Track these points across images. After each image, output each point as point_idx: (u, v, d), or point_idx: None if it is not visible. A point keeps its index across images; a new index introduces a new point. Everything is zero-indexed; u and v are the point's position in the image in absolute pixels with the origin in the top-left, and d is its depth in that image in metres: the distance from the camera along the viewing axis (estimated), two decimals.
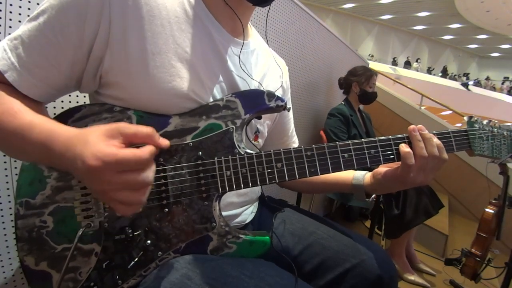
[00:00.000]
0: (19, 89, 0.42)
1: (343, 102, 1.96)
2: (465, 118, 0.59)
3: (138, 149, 0.34)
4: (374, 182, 0.59)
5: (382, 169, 0.57)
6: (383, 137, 0.53)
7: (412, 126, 0.52)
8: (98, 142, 0.34)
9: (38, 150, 0.38)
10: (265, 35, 0.69)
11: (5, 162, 0.64)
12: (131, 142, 0.36)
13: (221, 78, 0.54)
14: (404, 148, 0.51)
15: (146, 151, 0.35)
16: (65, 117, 0.47)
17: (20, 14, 0.61)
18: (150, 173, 0.36)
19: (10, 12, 0.59)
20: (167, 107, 0.48)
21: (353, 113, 1.90)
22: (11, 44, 0.42)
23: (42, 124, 0.39)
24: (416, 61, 17.14)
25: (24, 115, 0.40)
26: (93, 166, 0.32)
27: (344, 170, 0.51)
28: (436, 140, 0.51)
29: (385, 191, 0.60)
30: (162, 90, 0.47)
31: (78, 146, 0.34)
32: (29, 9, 0.62)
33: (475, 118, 0.59)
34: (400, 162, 0.52)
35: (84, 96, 0.73)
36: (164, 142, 0.40)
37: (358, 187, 0.61)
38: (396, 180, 0.54)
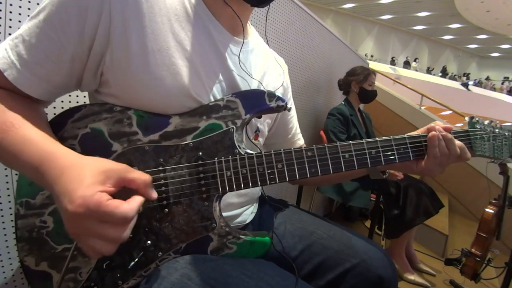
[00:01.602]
0: (19, 87, 0.42)
1: (343, 102, 1.96)
2: (467, 119, 0.59)
3: (126, 205, 0.33)
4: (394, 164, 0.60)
5: None
6: (384, 138, 0.54)
7: (434, 125, 0.55)
8: (91, 184, 0.32)
9: (30, 170, 0.37)
10: (265, 34, 0.69)
11: None
12: (126, 186, 0.36)
13: (221, 77, 0.54)
14: (433, 142, 0.53)
15: (134, 208, 0.34)
16: (65, 117, 0.47)
17: (20, 14, 0.61)
18: (128, 231, 0.34)
19: (10, 12, 0.59)
20: (167, 106, 0.48)
21: (353, 113, 1.90)
22: (12, 43, 0.42)
23: (37, 142, 0.38)
24: (415, 60, 17.15)
25: (19, 129, 0.39)
26: (77, 212, 0.31)
27: (345, 170, 0.51)
28: (457, 141, 0.54)
29: (401, 170, 0.62)
30: (162, 89, 0.47)
31: (71, 182, 0.33)
32: (29, 9, 0.62)
33: (477, 119, 0.58)
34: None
35: (84, 96, 0.73)
36: (154, 195, 0.39)
37: (374, 168, 0.62)
38: (417, 170, 0.57)
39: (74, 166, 0.35)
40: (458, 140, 0.55)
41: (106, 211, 0.31)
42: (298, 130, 0.80)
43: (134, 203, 0.34)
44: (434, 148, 0.53)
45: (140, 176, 0.37)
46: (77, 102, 0.73)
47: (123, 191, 0.36)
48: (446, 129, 0.54)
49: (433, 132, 0.54)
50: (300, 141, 0.80)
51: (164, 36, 0.47)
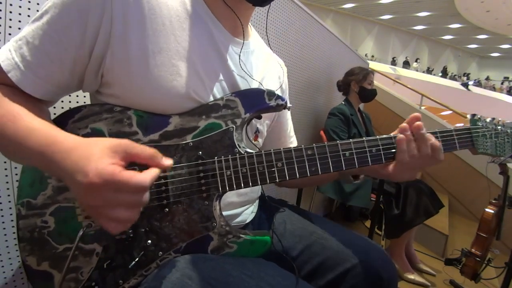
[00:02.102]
0: (22, 88, 0.43)
1: (343, 102, 1.96)
2: (469, 116, 0.58)
3: (141, 175, 0.34)
4: (361, 168, 0.59)
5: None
6: (384, 136, 0.53)
7: (404, 124, 0.52)
8: (101, 157, 0.33)
9: (36, 156, 0.38)
10: (266, 35, 0.69)
11: (5, 162, 0.64)
12: (133, 161, 0.36)
13: (221, 77, 0.54)
14: (401, 147, 0.51)
15: (148, 178, 0.34)
16: (65, 118, 0.47)
17: (20, 14, 0.61)
18: (147, 195, 0.35)
19: (10, 12, 0.59)
20: (168, 106, 0.49)
21: (353, 112, 1.90)
22: (15, 45, 0.43)
23: (41, 129, 0.39)
24: (416, 61, 17.15)
25: (23, 119, 0.39)
26: (94, 183, 0.32)
27: (345, 169, 0.51)
28: (431, 140, 0.51)
29: (371, 175, 0.61)
30: (163, 89, 0.47)
31: (80, 159, 0.34)
32: (29, 9, 0.62)
33: (478, 116, 0.58)
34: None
35: (84, 96, 0.74)
36: (168, 162, 0.39)
37: (344, 172, 0.62)
38: (385, 175, 0.55)
39: (81, 145, 0.36)
40: (457, 136, 0.55)
41: (121, 180, 0.32)
42: (292, 133, 0.80)
43: (148, 173, 0.35)
44: (402, 153, 0.51)
45: (144, 149, 0.36)
46: (77, 102, 0.73)
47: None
48: (417, 127, 0.51)
49: (400, 136, 0.51)
50: (293, 144, 0.79)
51: (165, 37, 0.47)
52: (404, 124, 0.52)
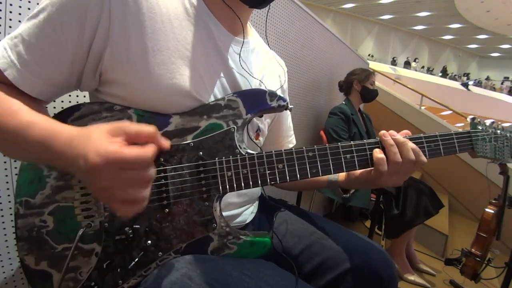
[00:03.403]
0: (19, 87, 0.42)
1: (344, 102, 1.96)
2: (469, 119, 0.59)
3: (141, 148, 0.34)
4: (348, 179, 0.61)
5: (357, 170, 0.56)
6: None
7: (382, 132, 0.52)
8: (100, 139, 0.33)
9: (38, 149, 0.38)
10: (265, 35, 0.68)
11: (5, 162, 0.63)
12: (134, 141, 0.36)
13: (221, 76, 0.54)
14: (377, 154, 0.51)
15: (150, 150, 0.34)
16: (64, 116, 0.47)
17: (20, 14, 0.61)
18: (152, 170, 0.35)
19: (10, 12, 0.59)
20: (168, 105, 0.48)
21: (354, 112, 1.91)
22: (11, 43, 0.42)
23: (41, 123, 0.39)
24: (414, 60, 17.15)
25: (23, 114, 0.39)
26: (96, 164, 0.32)
27: (346, 171, 0.51)
28: (411, 144, 0.51)
29: (361, 188, 0.61)
30: (162, 88, 0.47)
31: (80, 144, 0.34)
32: (29, 9, 0.62)
33: (478, 119, 0.58)
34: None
35: (84, 96, 0.73)
36: (166, 143, 0.39)
37: (333, 183, 0.64)
38: (367, 182, 0.55)
39: (81, 134, 0.36)
40: (457, 139, 0.55)
41: (123, 156, 0.32)
42: (291, 132, 0.80)
43: (149, 148, 0.34)
44: (381, 160, 0.50)
45: (144, 128, 0.36)
46: (77, 102, 0.73)
47: None
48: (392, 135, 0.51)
49: (377, 154, 0.50)
50: (291, 143, 0.79)
51: (164, 35, 0.47)
52: (383, 131, 0.52)
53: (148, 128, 0.36)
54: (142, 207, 0.35)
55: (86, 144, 0.33)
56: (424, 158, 0.51)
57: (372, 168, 0.52)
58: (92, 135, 0.34)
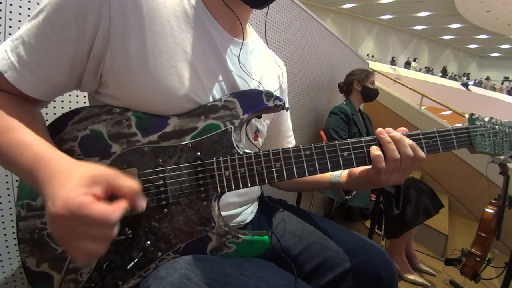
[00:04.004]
0: (19, 88, 0.42)
1: (344, 102, 1.97)
2: (466, 116, 0.58)
3: (108, 208, 0.32)
4: (350, 181, 0.59)
5: (357, 169, 0.56)
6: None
7: (379, 129, 0.52)
8: (75, 187, 0.32)
9: (24, 174, 0.37)
10: (265, 35, 0.69)
11: None
12: (114, 193, 0.34)
13: (220, 78, 0.54)
14: (374, 151, 0.50)
15: (118, 212, 0.32)
16: (65, 119, 0.47)
17: (20, 14, 0.61)
18: (116, 230, 0.33)
19: (10, 12, 0.59)
20: (166, 107, 0.48)
21: (354, 112, 1.91)
22: (12, 45, 0.42)
23: (32, 146, 0.38)
24: (414, 60, 17.15)
25: (16, 133, 0.39)
26: (58, 213, 0.30)
27: (344, 169, 0.51)
28: (408, 140, 0.50)
29: (363, 189, 0.60)
30: (162, 90, 0.47)
31: (56, 185, 0.33)
32: (29, 9, 0.62)
33: (477, 115, 0.58)
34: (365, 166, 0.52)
35: (84, 96, 0.73)
36: (142, 205, 0.36)
37: (335, 185, 0.62)
38: (368, 181, 0.54)
39: (64, 170, 0.35)
40: (455, 135, 0.54)
41: (88, 213, 0.30)
42: (291, 132, 0.80)
43: (117, 208, 0.32)
44: (378, 157, 0.49)
45: (127, 183, 0.35)
46: (77, 102, 0.73)
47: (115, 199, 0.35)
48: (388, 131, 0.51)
49: (374, 152, 0.50)
50: (291, 144, 0.79)
51: (163, 38, 0.47)
52: (379, 129, 0.52)
53: (131, 186, 0.35)
54: (95, 258, 0.33)
55: (60, 187, 0.32)
56: (422, 154, 0.51)
57: (369, 167, 0.52)
58: (72, 178, 0.33)
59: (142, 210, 0.36)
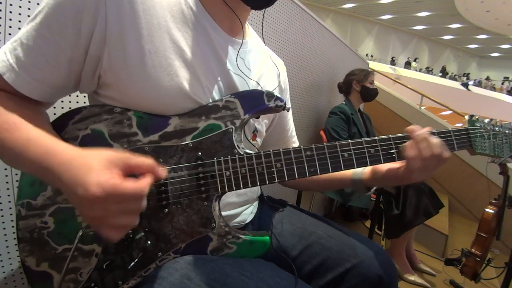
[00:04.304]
0: (18, 89, 0.42)
1: (344, 102, 1.97)
2: (466, 117, 0.59)
3: (139, 183, 0.35)
4: (374, 177, 0.60)
5: (383, 167, 0.57)
6: (383, 136, 0.53)
7: (411, 127, 0.52)
8: (101, 170, 0.34)
9: (34, 167, 0.38)
10: (262, 34, 0.69)
11: None
12: (133, 172, 0.36)
13: (219, 78, 0.54)
14: (409, 151, 0.51)
15: (146, 185, 0.35)
16: (65, 119, 0.47)
17: (20, 14, 0.61)
18: (145, 201, 0.36)
19: (10, 12, 0.59)
20: (166, 107, 0.48)
21: (354, 112, 1.91)
22: (11, 47, 0.42)
23: (38, 140, 0.38)
24: (415, 60, 17.16)
25: (21, 129, 0.39)
26: (96, 195, 0.32)
27: (344, 169, 0.51)
28: (436, 139, 0.51)
29: (385, 185, 0.61)
30: (160, 89, 0.47)
31: (80, 171, 0.34)
32: (29, 9, 0.62)
33: (476, 117, 0.58)
34: (399, 162, 0.53)
35: (84, 96, 0.73)
36: (163, 173, 0.39)
37: (358, 182, 0.63)
38: (398, 179, 0.55)
39: (78, 157, 0.36)
40: (455, 136, 0.55)
41: (123, 192, 0.33)
42: (294, 133, 0.80)
43: (145, 181, 0.36)
44: (413, 157, 0.51)
45: (143, 160, 0.37)
46: (77, 102, 0.73)
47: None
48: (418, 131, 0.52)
49: (408, 143, 0.51)
50: (295, 144, 0.79)
51: (160, 37, 0.47)
52: (410, 127, 0.53)
53: (147, 161, 0.37)
54: (129, 230, 0.36)
55: (87, 173, 0.33)
56: (447, 153, 0.52)
57: (399, 164, 0.53)
58: (93, 163, 0.34)
59: (165, 177, 0.40)
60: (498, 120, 0.60)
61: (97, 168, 0.34)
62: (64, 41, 0.42)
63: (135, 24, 0.45)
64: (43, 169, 0.37)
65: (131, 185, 0.34)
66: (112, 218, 0.34)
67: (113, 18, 0.43)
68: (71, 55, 0.43)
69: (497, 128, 0.58)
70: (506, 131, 0.59)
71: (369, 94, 1.92)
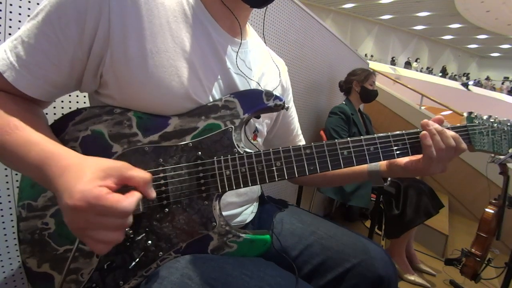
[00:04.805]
0: (18, 88, 0.42)
1: (344, 102, 1.97)
2: (465, 114, 0.59)
3: (125, 198, 0.33)
4: (391, 170, 0.62)
5: (401, 160, 0.58)
6: (381, 134, 0.54)
7: (425, 121, 0.54)
8: (91, 180, 0.33)
9: (33, 170, 0.38)
10: (263, 34, 0.69)
11: None
12: (126, 184, 0.36)
13: (219, 78, 0.54)
14: (426, 141, 0.52)
15: (133, 202, 0.34)
16: (66, 120, 0.47)
17: (20, 14, 0.61)
18: (130, 218, 0.35)
19: (10, 12, 0.59)
20: (166, 107, 0.49)
21: (354, 112, 1.91)
22: (11, 45, 0.42)
23: (39, 144, 0.38)
24: (416, 60, 17.16)
25: (22, 132, 0.39)
26: (78, 205, 0.31)
27: (344, 167, 0.51)
28: (450, 132, 0.53)
29: (404, 176, 0.61)
30: (162, 90, 0.47)
31: (71, 179, 0.33)
32: (29, 9, 0.62)
33: (475, 114, 0.58)
34: (415, 155, 0.55)
35: (84, 96, 0.74)
36: (152, 193, 0.38)
37: (374, 173, 0.64)
38: (417, 171, 0.56)
39: (75, 165, 0.35)
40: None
41: (105, 204, 0.32)
42: (299, 132, 0.80)
43: (132, 198, 0.34)
44: (429, 148, 0.52)
45: (139, 174, 0.36)
46: (77, 102, 0.73)
47: (125, 190, 0.36)
48: (437, 121, 0.54)
49: (424, 132, 0.53)
50: (301, 142, 0.80)
51: (162, 38, 0.47)
52: (425, 120, 0.54)
53: (143, 175, 0.36)
54: (112, 246, 0.35)
55: (76, 181, 0.33)
56: (464, 145, 0.54)
57: (419, 157, 0.55)
58: (86, 172, 0.34)
59: (152, 198, 0.38)
60: (496, 116, 0.60)
61: (88, 177, 0.33)
62: (67, 39, 0.42)
63: (138, 25, 0.45)
64: (41, 173, 0.36)
65: (115, 198, 0.32)
66: (92, 230, 0.33)
67: (116, 18, 0.43)
68: (73, 53, 0.43)
69: (495, 124, 0.58)
70: (505, 128, 0.59)
71: (369, 95, 1.92)
